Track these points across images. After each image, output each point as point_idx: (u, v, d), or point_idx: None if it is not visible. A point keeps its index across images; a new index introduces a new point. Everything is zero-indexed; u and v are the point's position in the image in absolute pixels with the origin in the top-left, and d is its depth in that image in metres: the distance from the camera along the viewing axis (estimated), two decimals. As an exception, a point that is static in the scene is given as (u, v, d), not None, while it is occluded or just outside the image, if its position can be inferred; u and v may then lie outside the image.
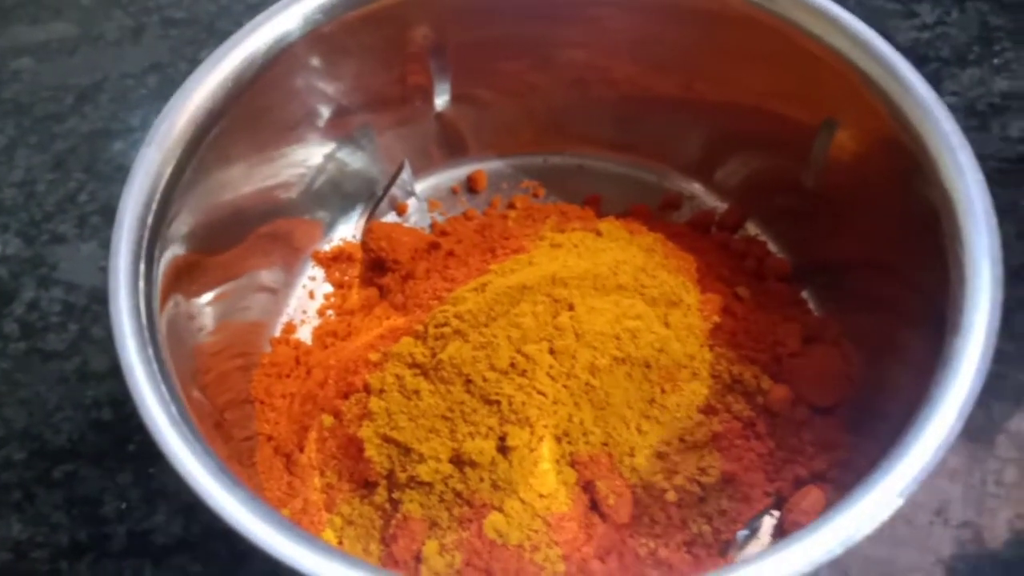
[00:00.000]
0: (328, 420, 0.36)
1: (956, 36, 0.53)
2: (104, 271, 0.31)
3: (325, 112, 0.42)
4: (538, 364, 0.32)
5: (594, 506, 0.32)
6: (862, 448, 0.34)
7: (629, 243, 0.38)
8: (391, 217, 0.45)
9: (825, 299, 0.40)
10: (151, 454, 0.39)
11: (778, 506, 0.34)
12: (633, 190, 0.45)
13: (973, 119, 0.49)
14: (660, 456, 0.33)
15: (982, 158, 0.47)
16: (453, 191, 0.46)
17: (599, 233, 0.39)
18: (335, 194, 0.44)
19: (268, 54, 0.37)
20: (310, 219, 0.44)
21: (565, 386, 0.32)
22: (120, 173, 0.48)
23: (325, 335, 0.40)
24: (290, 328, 0.41)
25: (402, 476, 0.32)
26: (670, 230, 0.41)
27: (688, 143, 0.45)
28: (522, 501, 0.31)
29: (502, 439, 0.32)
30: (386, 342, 0.37)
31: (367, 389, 0.35)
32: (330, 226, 0.44)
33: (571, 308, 0.34)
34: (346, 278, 0.43)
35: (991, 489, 0.38)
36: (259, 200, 0.40)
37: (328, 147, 0.43)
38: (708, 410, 0.34)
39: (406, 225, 0.44)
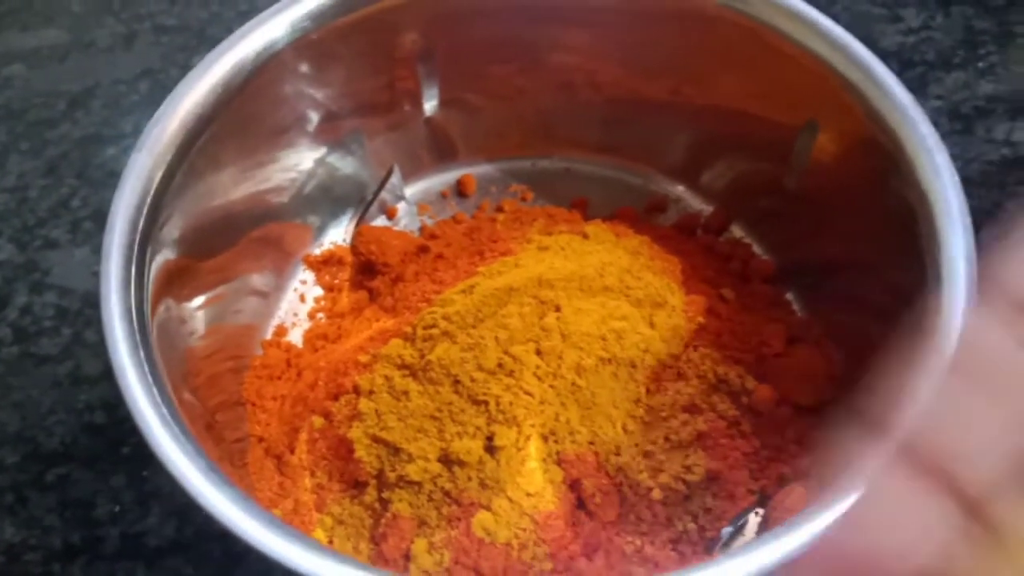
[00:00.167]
0: (318, 421, 0.36)
1: (941, 40, 0.54)
2: (97, 276, 0.31)
3: (315, 117, 0.42)
4: (525, 365, 0.33)
5: (581, 504, 0.33)
6: (844, 446, 0.34)
7: (615, 245, 0.39)
8: (381, 221, 0.45)
9: (808, 300, 0.41)
10: (144, 457, 0.39)
11: (762, 504, 0.35)
12: (619, 193, 0.46)
13: (958, 122, 0.50)
14: (646, 455, 0.34)
15: (967, 161, 0.48)
16: (442, 195, 0.47)
17: (586, 236, 0.39)
18: (325, 198, 0.44)
19: (257, 60, 0.37)
20: (300, 223, 0.44)
21: (552, 386, 0.33)
22: (112, 178, 0.48)
23: (316, 338, 0.41)
24: (281, 331, 0.41)
25: (391, 476, 0.33)
26: (656, 233, 0.42)
27: (674, 146, 0.45)
28: (510, 500, 0.32)
29: (490, 439, 0.32)
30: (375, 344, 0.37)
31: (356, 390, 0.35)
32: (320, 230, 0.45)
33: (557, 309, 0.34)
34: (336, 281, 0.43)
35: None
36: (250, 204, 0.41)
37: (318, 152, 0.43)
38: (693, 409, 0.35)
39: (396, 229, 0.44)
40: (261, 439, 0.37)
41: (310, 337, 0.41)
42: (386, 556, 0.32)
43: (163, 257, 0.34)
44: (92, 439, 0.41)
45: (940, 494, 0.17)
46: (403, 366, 0.34)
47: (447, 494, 0.32)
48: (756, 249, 0.43)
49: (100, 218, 0.47)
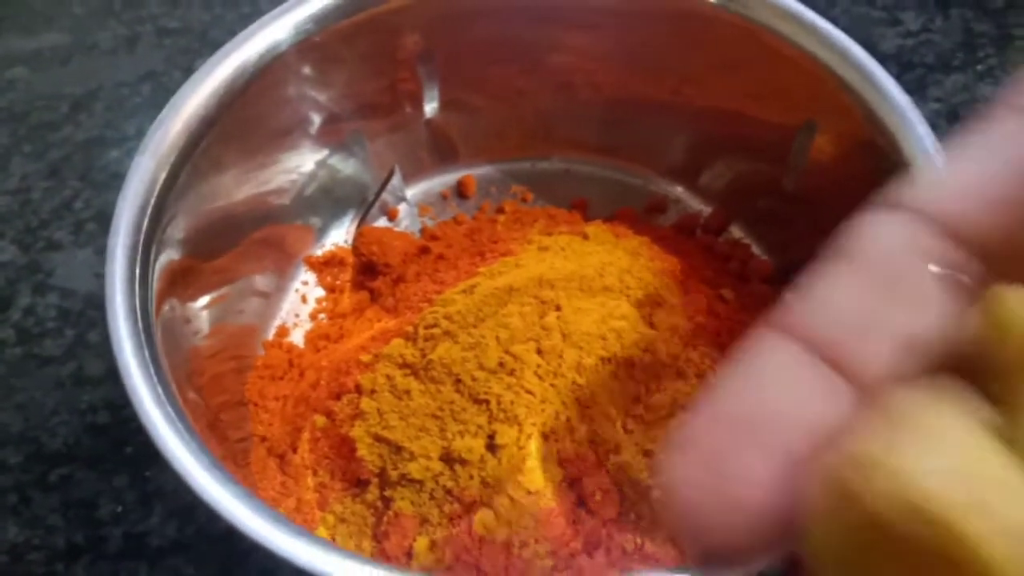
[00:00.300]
0: (321, 420, 0.36)
1: (940, 43, 0.54)
2: (100, 277, 0.31)
3: (317, 119, 0.42)
4: (526, 364, 0.33)
5: (581, 502, 0.33)
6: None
7: (615, 246, 0.39)
8: (382, 222, 0.46)
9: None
10: (147, 457, 0.40)
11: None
12: (619, 194, 0.46)
13: (956, 125, 0.50)
14: (646, 453, 0.34)
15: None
16: (443, 196, 0.47)
17: (586, 236, 0.39)
18: (327, 200, 0.45)
19: (260, 63, 0.38)
20: (302, 224, 0.44)
21: (552, 385, 0.33)
22: (115, 181, 0.49)
23: (317, 338, 0.41)
24: (283, 331, 0.42)
25: (393, 474, 0.33)
26: (655, 233, 0.42)
27: (673, 147, 0.46)
28: (511, 498, 0.32)
29: (491, 437, 0.32)
30: (377, 344, 0.38)
31: (359, 390, 0.35)
32: (322, 231, 0.45)
33: (558, 309, 0.34)
34: (338, 282, 0.43)
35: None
36: (252, 206, 0.41)
37: (320, 154, 0.43)
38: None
39: (397, 230, 0.45)
40: (264, 439, 0.37)
41: (312, 337, 0.41)
42: (388, 554, 0.32)
43: (167, 258, 0.35)
44: (95, 440, 0.41)
45: (828, 370, 0.17)
46: (405, 365, 0.34)
47: (449, 492, 0.32)
48: (755, 249, 0.43)
49: (103, 220, 0.48)
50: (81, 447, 0.41)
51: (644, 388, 0.35)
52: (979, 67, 0.53)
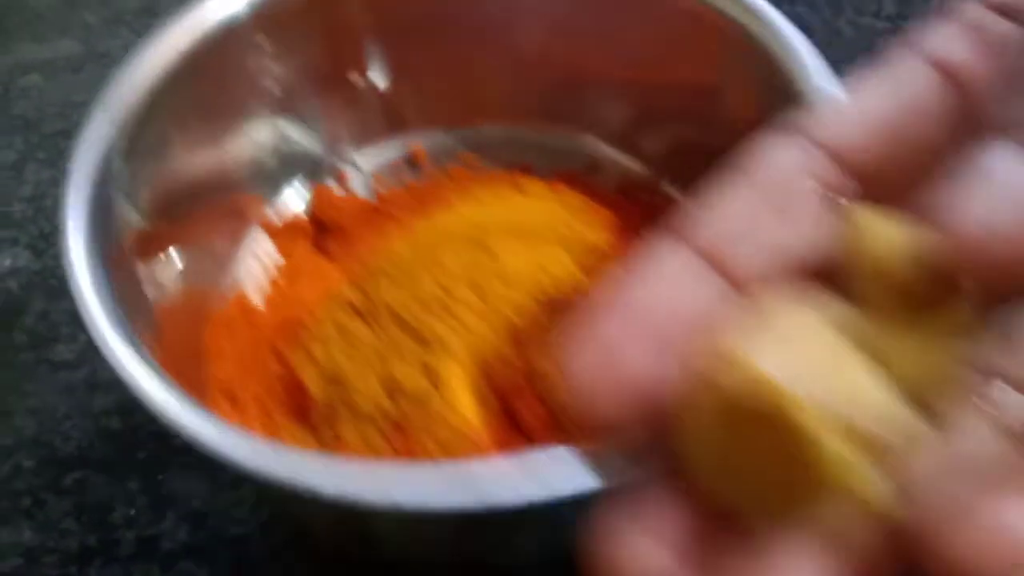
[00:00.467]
0: (273, 364, 0.39)
1: None
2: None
3: (273, 91, 0.45)
4: (462, 301, 0.35)
5: (516, 427, 0.35)
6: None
7: (551, 199, 0.41)
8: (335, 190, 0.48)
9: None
10: (159, 462, 0.41)
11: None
12: (561, 158, 0.48)
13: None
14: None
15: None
16: (394, 165, 0.49)
17: (523, 191, 0.42)
18: (281, 167, 0.47)
19: (216, 34, 0.40)
20: (260, 193, 0.47)
21: (487, 321, 0.35)
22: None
23: (273, 295, 0.43)
24: (240, 291, 0.44)
25: (340, 407, 0.35)
26: (593, 191, 0.45)
27: (613, 114, 0.48)
28: (450, 426, 0.34)
29: (431, 369, 0.35)
30: (327, 294, 0.40)
31: (307, 332, 0.38)
32: (278, 199, 0.47)
33: (492, 252, 0.37)
34: (293, 245, 0.46)
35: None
36: (212, 175, 0.43)
37: (276, 125, 0.46)
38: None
39: (349, 194, 0.47)
40: (220, 383, 0.39)
41: (267, 296, 0.43)
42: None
43: (132, 222, 0.37)
44: (108, 444, 0.42)
45: (714, 274, 0.19)
46: (350, 307, 0.37)
47: (392, 422, 0.35)
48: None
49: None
50: (94, 451, 0.42)
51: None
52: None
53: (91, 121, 0.35)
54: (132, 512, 0.40)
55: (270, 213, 0.47)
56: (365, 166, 0.49)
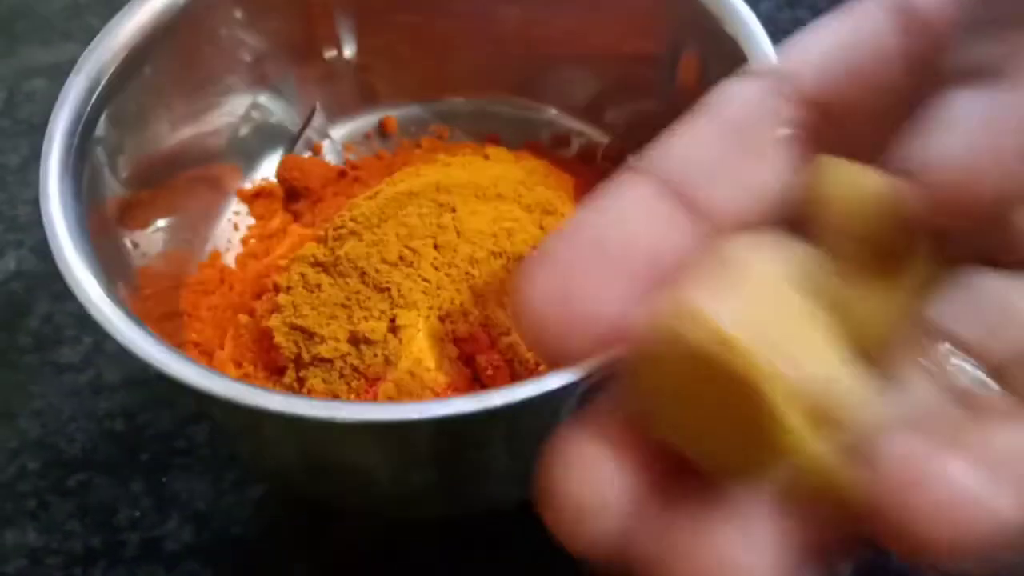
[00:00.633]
0: (244, 318, 0.40)
1: None
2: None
3: (247, 61, 0.46)
4: (423, 256, 0.37)
5: (475, 377, 0.37)
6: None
7: (513, 163, 0.43)
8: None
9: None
10: (163, 464, 0.41)
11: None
12: (529, 130, 0.50)
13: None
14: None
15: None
16: (366, 136, 0.51)
17: (487, 156, 0.44)
18: (257, 139, 0.48)
19: (189, 4, 0.42)
20: (235, 162, 0.48)
21: (447, 275, 0.37)
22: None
23: (246, 257, 0.45)
24: (216, 255, 0.45)
25: (307, 357, 0.37)
26: (556, 160, 0.46)
27: (579, 87, 0.50)
28: (411, 373, 0.36)
29: (392, 320, 0.36)
30: (295, 251, 0.41)
31: (276, 289, 0.39)
32: (253, 167, 0.49)
33: (453, 211, 0.38)
34: (266, 211, 0.47)
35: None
36: (187, 145, 0.45)
37: (251, 95, 0.47)
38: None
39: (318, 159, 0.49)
40: (196, 344, 0.41)
41: (241, 258, 0.45)
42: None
43: (110, 189, 0.38)
44: (112, 446, 0.42)
45: (678, 207, 0.19)
46: (316, 263, 0.38)
47: (355, 370, 0.36)
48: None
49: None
50: (98, 453, 0.42)
51: (532, 279, 0.39)
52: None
53: (68, 87, 0.37)
54: (136, 514, 0.40)
55: (246, 182, 0.48)
56: (337, 137, 0.50)
